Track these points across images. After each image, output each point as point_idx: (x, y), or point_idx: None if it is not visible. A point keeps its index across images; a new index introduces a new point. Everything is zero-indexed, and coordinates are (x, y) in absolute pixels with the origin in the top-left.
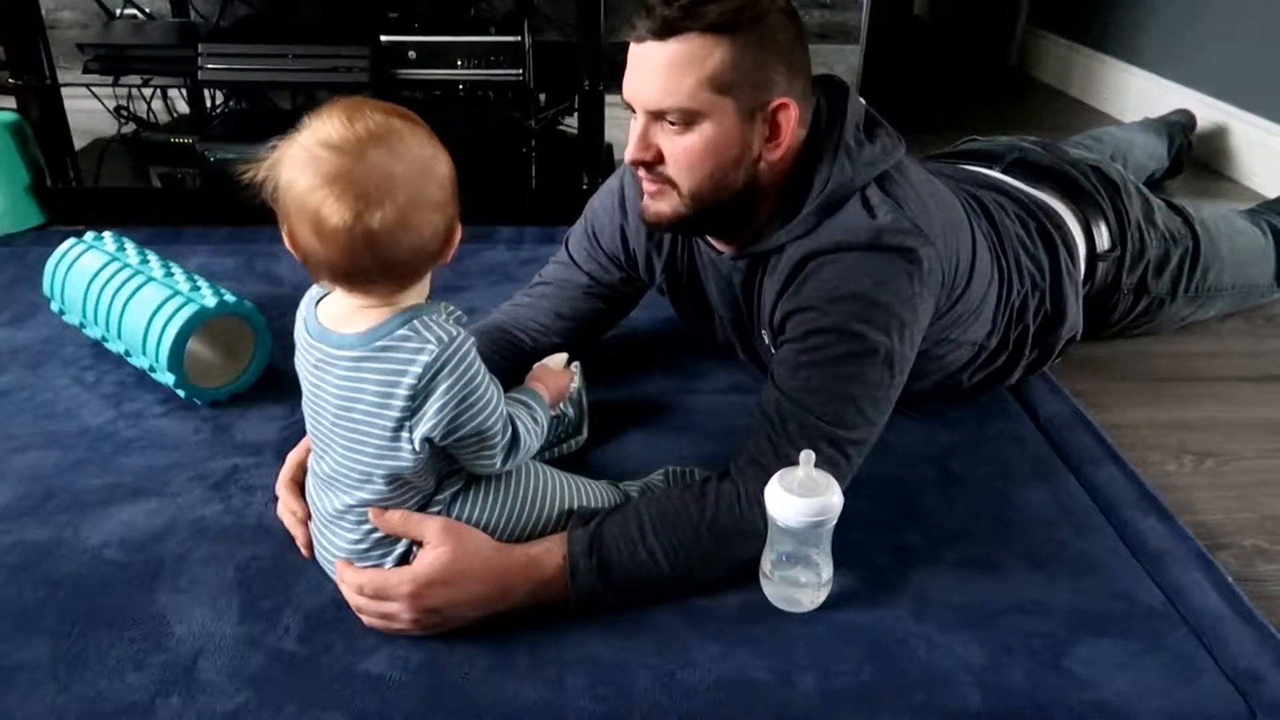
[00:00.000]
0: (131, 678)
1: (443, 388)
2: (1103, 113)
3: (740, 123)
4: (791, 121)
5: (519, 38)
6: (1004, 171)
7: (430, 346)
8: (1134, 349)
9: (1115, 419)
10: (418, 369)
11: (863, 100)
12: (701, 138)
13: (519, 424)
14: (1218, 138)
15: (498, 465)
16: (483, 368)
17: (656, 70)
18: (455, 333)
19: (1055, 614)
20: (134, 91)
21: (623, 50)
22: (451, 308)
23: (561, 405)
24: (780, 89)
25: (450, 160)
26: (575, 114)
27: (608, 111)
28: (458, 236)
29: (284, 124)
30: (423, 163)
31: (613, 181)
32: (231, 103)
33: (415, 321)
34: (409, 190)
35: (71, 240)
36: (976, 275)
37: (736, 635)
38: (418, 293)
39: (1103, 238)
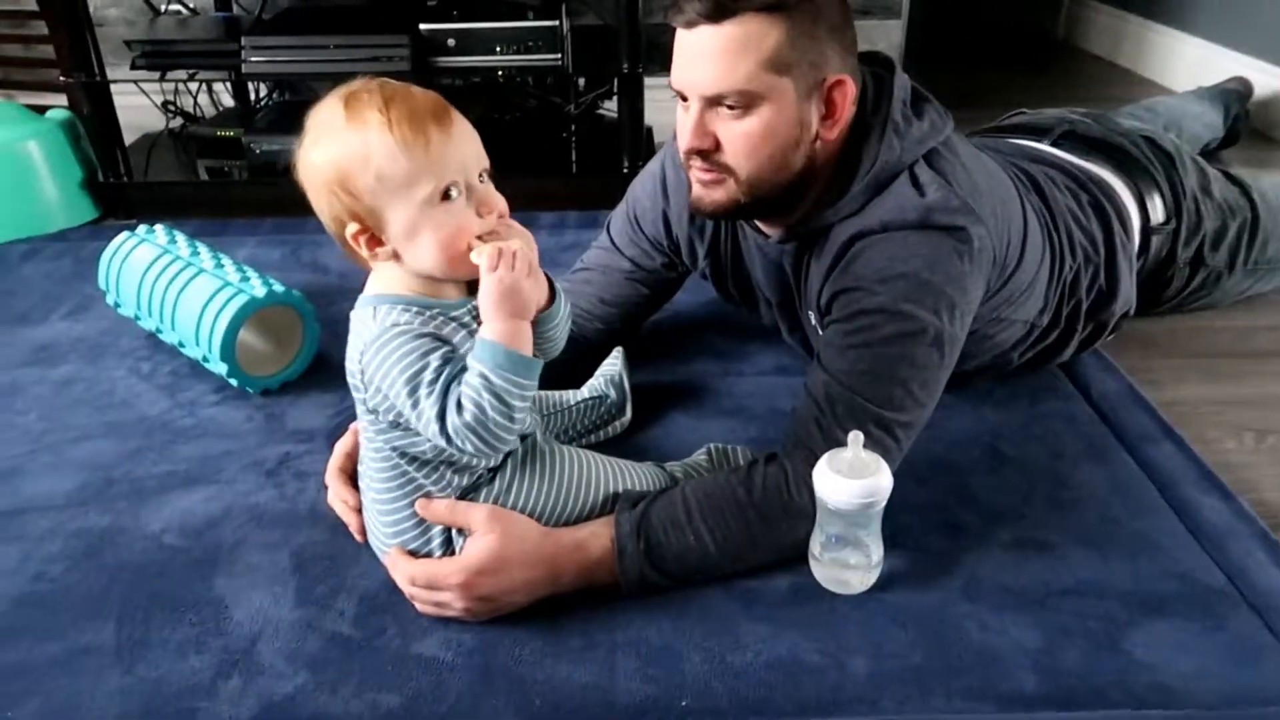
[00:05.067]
0: (193, 660)
1: (374, 363)
2: (1154, 82)
3: (799, 103)
4: (848, 98)
5: (556, 22)
6: (1053, 144)
7: (371, 328)
8: (1191, 324)
9: (1172, 396)
10: (361, 345)
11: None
12: (761, 121)
13: (469, 403)
14: (1276, 105)
15: (445, 444)
16: (411, 352)
17: (713, 54)
18: (401, 321)
19: (1112, 595)
20: (180, 86)
21: (663, 31)
22: (469, 306)
23: (604, 387)
24: (835, 65)
25: (362, 177)
26: (615, 97)
27: (648, 94)
28: (361, 240)
29: None
30: (329, 152)
31: (654, 165)
32: (275, 95)
33: (382, 306)
34: (319, 155)
35: (124, 234)
36: (1028, 252)
37: (786, 617)
38: (384, 274)
39: (1157, 210)
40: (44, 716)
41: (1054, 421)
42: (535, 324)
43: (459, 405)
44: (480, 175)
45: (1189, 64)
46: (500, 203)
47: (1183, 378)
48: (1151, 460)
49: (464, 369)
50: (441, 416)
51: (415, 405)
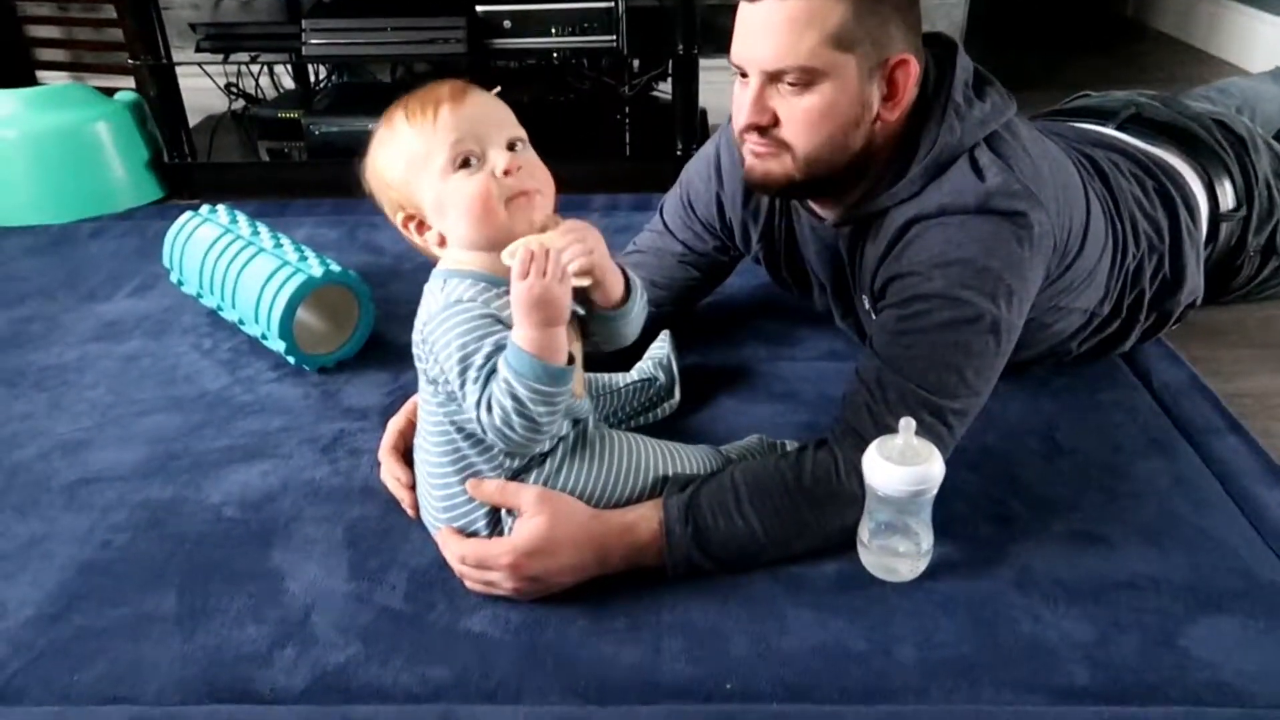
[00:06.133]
0: (250, 629)
1: (436, 336)
2: (1228, 63)
3: (860, 82)
4: (910, 79)
5: (612, 4)
6: (1119, 128)
7: (438, 299)
8: (1260, 314)
9: (1238, 388)
10: (426, 315)
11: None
12: (822, 98)
13: (496, 405)
14: None
15: (489, 435)
16: (469, 332)
17: (776, 28)
18: (466, 297)
19: (1170, 590)
20: (243, 68)
21: (718, 13)
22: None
23: (652, 370)
24: (899, 45)
25: (389, 165)
26: (669, 79)
27: (702, 77)
28: (410, 226)
29: (384, 97)
30: (375, 154)
31: (708, 148)
32: (334, 77)
33: (452, 279)
34: (370, 159)
35: (188, 213)
36: (1090, 240)
37: (833, 604)
38: (453, 250)
39: (1227, 196)
40: (108, 679)
41: (1113, 412)
42: (608, 319)
43: (489, 404)
44: (513, 144)
45: (1266, 43)
46: (537, 167)
47: (1250, 369)
48: (1215, 453)
49: None
50: (477, 406)
51: (463, 386)
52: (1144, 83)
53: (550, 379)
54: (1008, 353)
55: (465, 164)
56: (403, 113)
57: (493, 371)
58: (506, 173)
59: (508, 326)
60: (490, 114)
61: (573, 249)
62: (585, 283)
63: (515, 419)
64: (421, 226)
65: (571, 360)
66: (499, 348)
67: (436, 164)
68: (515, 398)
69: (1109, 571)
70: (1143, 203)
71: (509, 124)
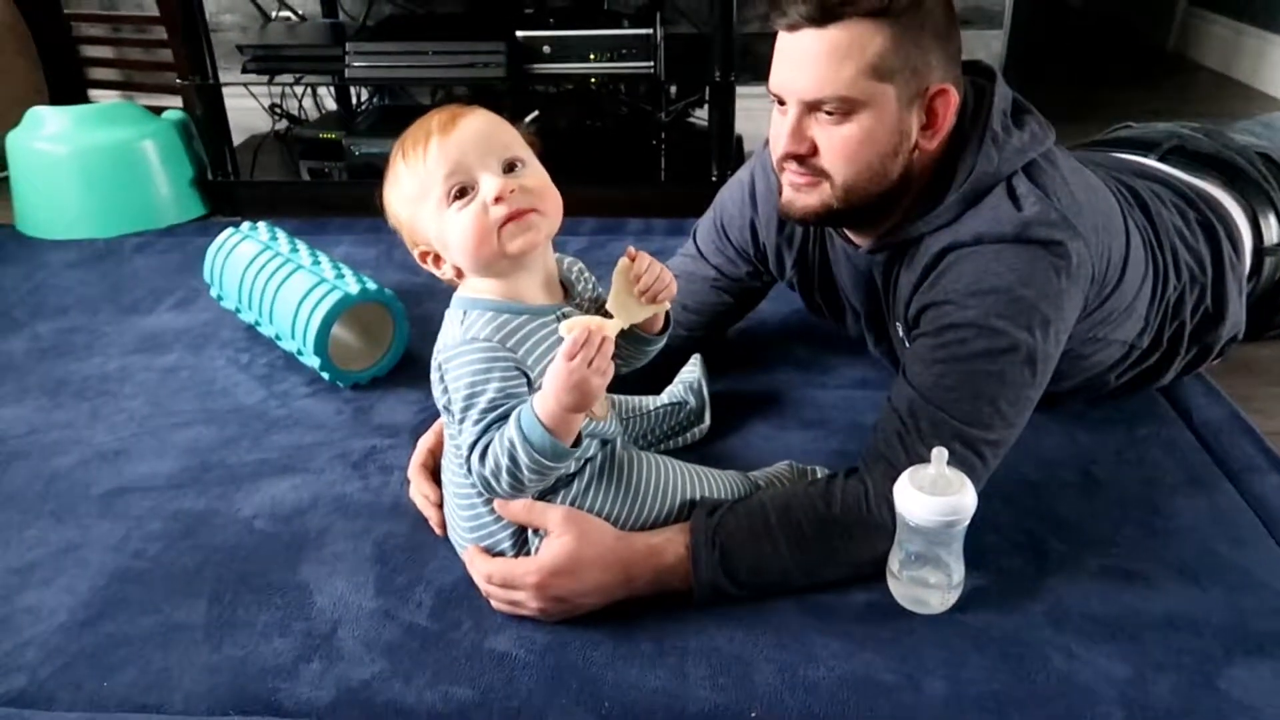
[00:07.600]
0: (277, 642)
1: (449, 369)
2: (1273, 97)
3: (899, 111)
4: (949, 108)
5: (651, 30)
6: (1161, 159)
7: (456, 332)
8: None
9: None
10: (443, 345)
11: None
12: (860, 128)
13: (490, 457)
14: None
15: (473, 476)
16: (477, 373)
17: (815, 59)
18: (483, 336)
19: (1209, 630)
20: (287, 90)
21: (755, 40)
22: (557, 313)
23: (683, 394)
24: (938, 74)
25: (397, 205)
26: (706, 106)
27: (739, 103)
28: (429, 261)
29: None
30: (387, 191)
31: (743, 174)
32: (375, 99)
33: (472, 310)
34: (384, 199)
35: (229, 230)
36: (1129, 271)
37: (862, 634)
38: (469, 284)
39: (1271, 230)
40: (138, 687)
41: (1152, 447)
42: (644, 341)
43: (483, 453)
44: (512, 165)
45: None
46: (536, 186)
47: None
48: (1256, 491)
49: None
50: (471, 448)
51: (462, 423)
52: (1186, 116)
53: (554, 455)
54: (1043, 384)
55: (461, 194)
56: (400, 151)
57: (495, 420)
58: (498, 199)
59: (521, 367)
60: (482, 138)
61: (664, 274)
62: (666, 307)
63: (505, 476)
64: (438, 260)
65: (578, 443)
66: (504, 394)
67: (433, 200)
68: (514, 459)
69: (1146, 609)
70: (1184, 234)
71: (503, 144)
